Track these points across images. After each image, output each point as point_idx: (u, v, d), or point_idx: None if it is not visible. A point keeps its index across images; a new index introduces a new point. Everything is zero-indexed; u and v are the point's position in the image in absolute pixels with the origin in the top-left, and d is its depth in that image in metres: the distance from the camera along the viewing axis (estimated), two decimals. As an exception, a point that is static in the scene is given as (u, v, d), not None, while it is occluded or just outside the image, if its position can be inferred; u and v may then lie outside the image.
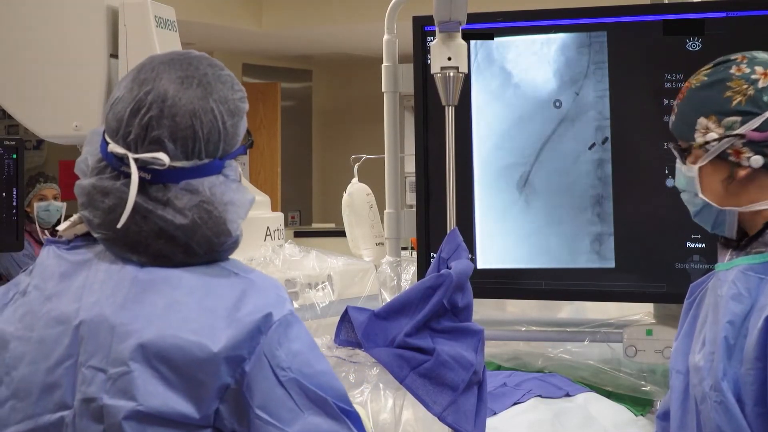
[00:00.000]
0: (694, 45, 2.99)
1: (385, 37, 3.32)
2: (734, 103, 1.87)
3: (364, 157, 3.93)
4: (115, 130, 1.62)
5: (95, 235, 1.63)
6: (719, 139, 1.87)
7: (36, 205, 5.80)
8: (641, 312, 3.20)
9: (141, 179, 1.59)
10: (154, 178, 1.60)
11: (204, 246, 1.61)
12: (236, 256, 3.19)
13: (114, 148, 1.61)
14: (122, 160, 1.61)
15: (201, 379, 1.54)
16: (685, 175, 1.97)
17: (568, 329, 3.21)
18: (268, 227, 3.11)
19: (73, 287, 1.62)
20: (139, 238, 1.60)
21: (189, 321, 1.56)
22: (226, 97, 1.66)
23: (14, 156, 3.94)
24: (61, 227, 1.70)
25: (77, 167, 1.69)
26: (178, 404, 1.54)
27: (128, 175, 1.59)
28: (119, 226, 1.59)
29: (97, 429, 1.54)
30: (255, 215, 3.12)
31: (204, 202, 1.61)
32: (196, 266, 1.62)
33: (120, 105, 1.63)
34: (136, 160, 1.59)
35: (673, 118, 1.98)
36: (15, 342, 1.63)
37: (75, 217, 1.69)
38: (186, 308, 1.57)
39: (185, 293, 1.58)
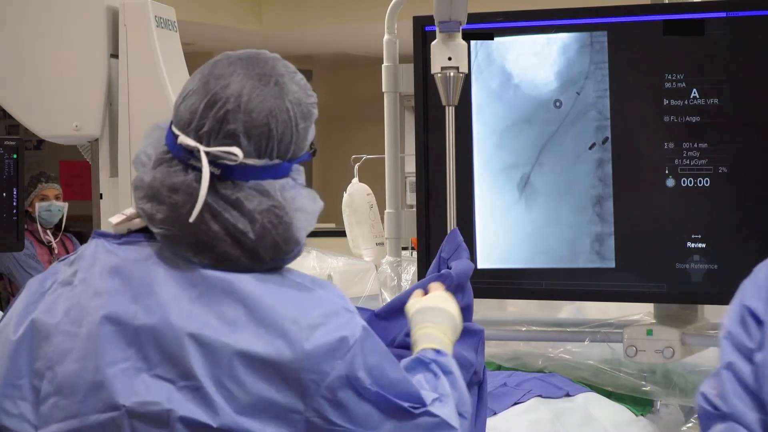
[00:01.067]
0: (694, 45, 2.99)
1: (386, 37, 3.32)
2: None
3: (365, 157, 3.93)
4: (188, 122, 1.59)
5: (155, 231, 1.58)
6: None
7: (37, 205, 5.80)
8: (641, 312, 3.20)
9: (210, 174, 1.55)
10: (223, 174, 1.57)
11: (270, 252, 1.57)
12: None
13: (184, 140, 1.57)
14: (191, 153, 1.57)
15: (271, 399, 1.52)
16: None
17: (569, 329, 3.21)
18: (268, 227, 3.11)
19: (130, 286, 1.57)
20: (206, 238, 1.55)
21: (259, 336, 1.52)
22: (300, 99, 1.63)
23: (14, 156, 3.94)
24: (114, 219, 1.64)
25: (136, 160, 1.64)
26: (249, 423, 1.51)
27: (196, 169, 1.56)
28: (191, 220, 1.54)
29: None
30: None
31: (275, 207, 1.58)
32: (262, 274, 1.58)
33: (194, 97, 1.60)
34: (207, 153, 1.56)
35: None
36: (60, 336, 1.57)
37: (130, 211, 1.63)
38: (255, 322, 1.53)
39: (255, 305, 1.54)
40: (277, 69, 1.64)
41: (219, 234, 1.55)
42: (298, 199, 1.61)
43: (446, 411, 1.62)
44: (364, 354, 1.56)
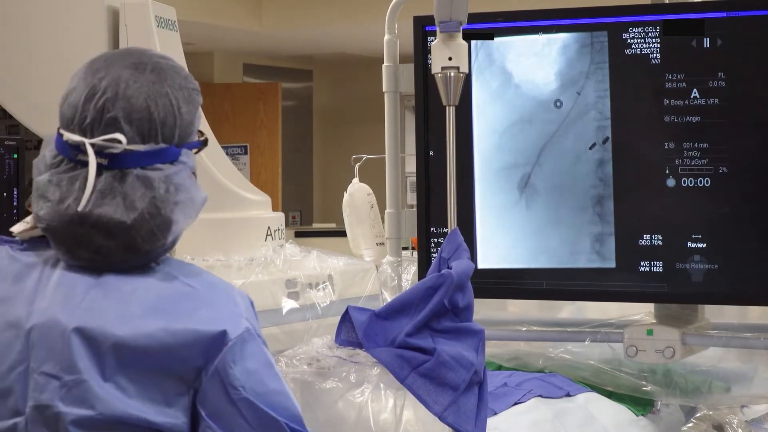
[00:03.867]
0: (694, 45, 2.99)
1: (386, 37, 3.32)
2: None
3: (365, 157, 3.92)
4: (71, 118, 1.62)
5: (41, 229, 1.62)
6: None
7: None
8: (641, 312, 3.20)
9: (98, 165, 1.58)
10: (111, 164, 1.59)
11: (147, 242, 1.59)
12: (239, 256, 3.20)
13: (69, 136, 1.60)
14: (78, 148, 1.60)
15: (157, 388, 1.54)
16: None
17: (569, 329, 3.21)
18: (268, 227, 3.11)
19: (26, 290, 1.60)
20: (83, 230, 1.58)
21: (141, 328, 1.55)
22: (180, 84, 1.66)
23: (15, 156, 3.94)
24: (16, 228, 1.67)
25: (35, 168, 1.67)
26: (138, 410, 1.53)
27: (85, 164, 1.58)
28: (80, 208, 1.57)
29: None
30: (255, 215, 3.12)
31: (155, 198, 1.60)
32: (149, 273, 1.61)
33: (74, 94, 1.64)
34: (92, 145, 1.58)
35: None
36: None
37: (29, 218, 1.67)
38: (140, 319, 1.56)
39: (139, 303, 1.57)
40: (153, 58, 1.66)
41: (97, 224, 1.57)
42: (183, 191, 1.63)
43: None
44: (243, 356, 1.57)
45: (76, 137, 1.60)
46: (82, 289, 1.58)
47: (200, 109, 1.70)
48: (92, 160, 1.57)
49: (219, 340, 1.56)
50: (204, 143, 1.71)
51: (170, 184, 1.61)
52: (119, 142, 1.58)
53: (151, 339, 1.54)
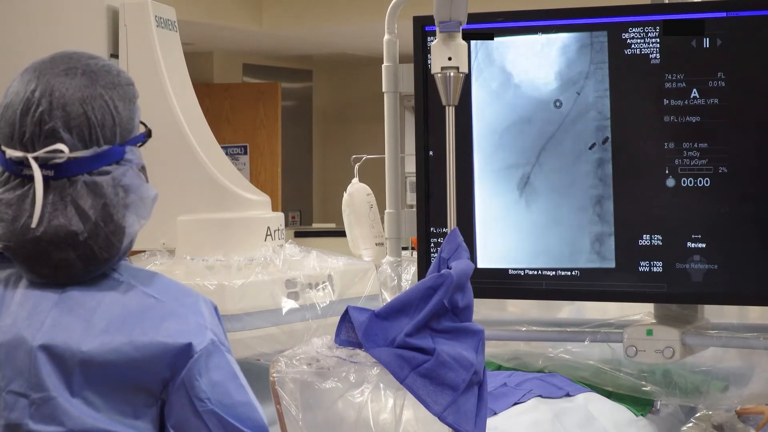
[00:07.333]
0: (694, 45, 2.99)
1: (386, 37, 3.33)
2: None
3: (365, 157, 3.92)
4: (9, 135, 1.62)
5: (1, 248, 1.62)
6: None
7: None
8: (641, 312, 3.21)
9: (45, 177, 1.58)
10: (57, 174, 1.59)
11: (104, 250, 1.60)
12: (239, 256, 3.20)
13: (11, 153, 1.60)
14: (22, 163, 1.60)
15: (126, 397, 1.56)
16: None
17: (569, 329, 3.22)
18: (268, 227, 3.11)
19: None
20: (39, 247, 1.58)
21: (107, 343, 1.56)
22: (113, 82, 1.66)
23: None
24: None
25: None
26: (107, 424, 1.54)
27: (32, 178, 1.59)
28: (33, 225, 1.57)
29: None
30: (255, 215, 3.12)
31: (107, 205, 1.60)
32: (112, 285, 1.61)
33: (9, 110, 1.63)
34: (36, 158, 1.59)
35: None
36: None
37: None
38: (106, 334, 1.57)
39: (104, 318, 1.58)
40: (81, 61, 1.67)
41: (54, 239, 1.58)
42: (132, 191, 1.64)
43: None
44: (208, 368, 1.58)
45: (17, 153, 1.60)
46: (46, 305, 1.59)
47: (137, 103, 1.70)
48: (37, 175, 1.58)
49: (185, 352, 1.57)
50: (148, 135, 1.71)
51: (119, 187, 1.62)
52: (61, 151, 1.59)
53: (117, 353, 1.55)
